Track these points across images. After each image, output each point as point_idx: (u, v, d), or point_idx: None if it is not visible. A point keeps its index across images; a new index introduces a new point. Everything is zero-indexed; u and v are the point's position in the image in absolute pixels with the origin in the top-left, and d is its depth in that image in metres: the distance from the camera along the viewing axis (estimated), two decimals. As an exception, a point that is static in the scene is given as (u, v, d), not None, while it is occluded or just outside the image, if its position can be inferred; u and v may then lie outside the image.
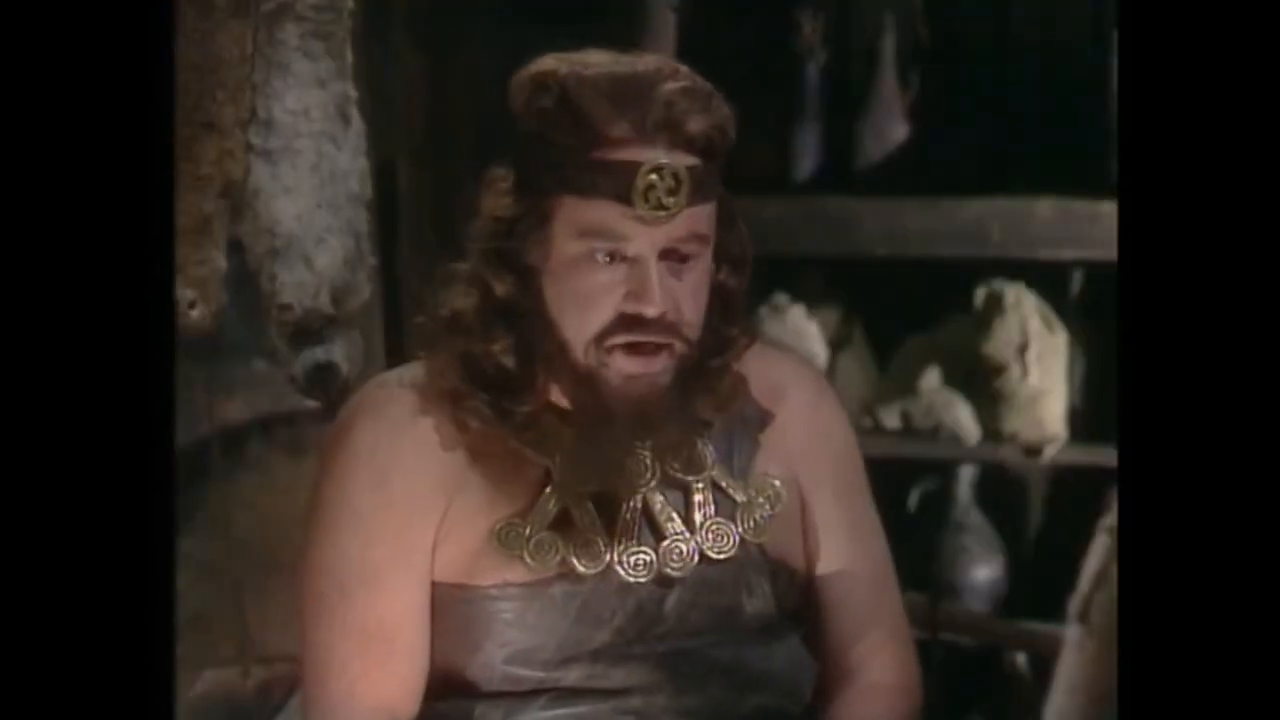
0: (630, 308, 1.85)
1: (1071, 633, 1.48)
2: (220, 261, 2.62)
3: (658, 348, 1.87)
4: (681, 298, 1.87)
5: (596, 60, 1.88)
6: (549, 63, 1.88)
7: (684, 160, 1.85)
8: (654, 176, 1.83)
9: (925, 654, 3.01)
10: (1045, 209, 3.47)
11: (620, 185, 1.83)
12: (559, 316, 1.88)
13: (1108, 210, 3.39)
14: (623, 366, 1.87)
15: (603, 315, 1.86)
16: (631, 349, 1.86)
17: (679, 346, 1.88)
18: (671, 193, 1.84)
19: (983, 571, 3.69)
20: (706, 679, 1.95)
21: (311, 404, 2.74)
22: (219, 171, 2.60)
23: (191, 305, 2.60)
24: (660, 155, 1.84)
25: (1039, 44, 3.67)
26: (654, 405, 1.89)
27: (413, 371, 1.98)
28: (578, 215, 1.85)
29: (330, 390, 2.67)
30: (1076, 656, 1.48)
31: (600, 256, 1.85)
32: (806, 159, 3.69)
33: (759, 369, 2.02)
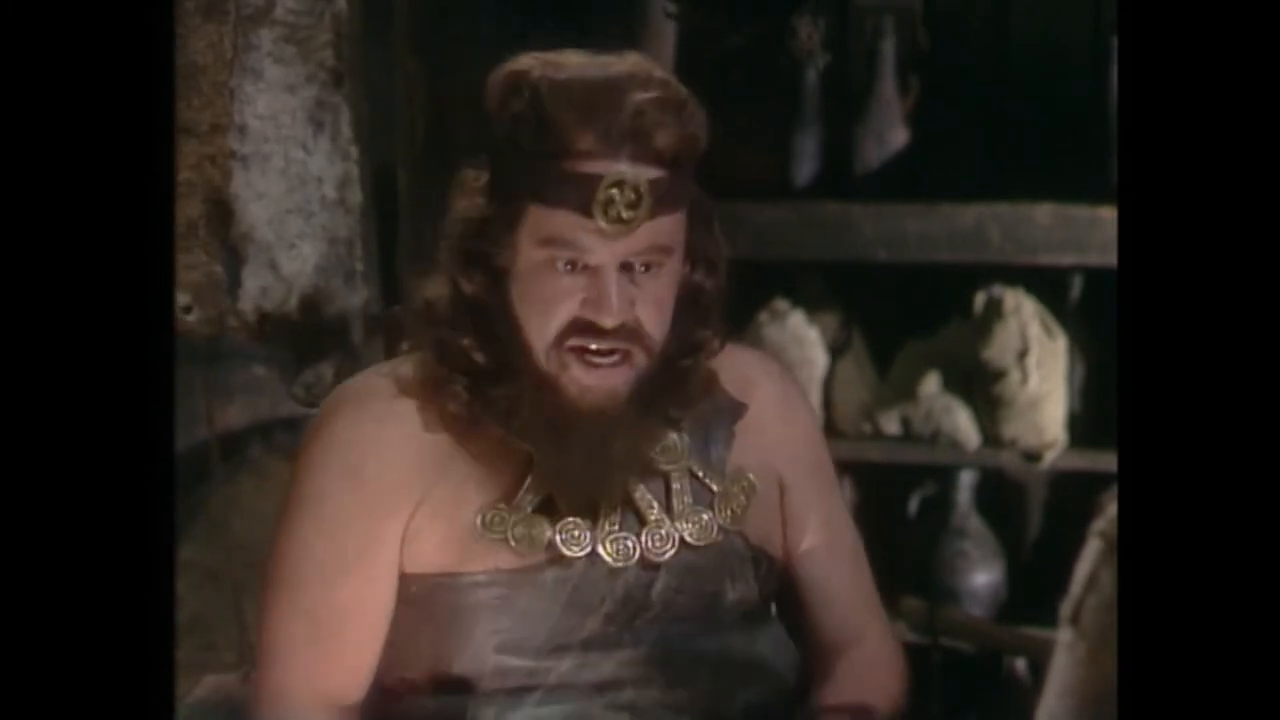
0: (587, 314, 1.87)
1: (1063, 636, 1.48)
2: (214, 266, 2.62)
3: (617, 359, 1.89)
4: (643, 307, 1.89)
5: (572, 62, 1.89)
6: (525, 62, 1.90)
7: (647, 173, 1.86)
8: (614, 190, 1.84)
9: (925, 659, 3.01)
10: (1045, 214, 3.47)
11: (581, 197, 1.84)
12: (523, 318, 1.90)
13: (1107, 215, 3.39)
14: (580, 377, 1.89)
15: (560, 319, 1.88)
16: (588, 359, 1.89)
17: (639, 356, 1.91)
18: (632, 206, 1.85)
19: (982, 577, 3.69)
20: (695, 671, 1.97)
21: (312, 409, 2.74)
22: (200, 177, 2.61)
23: (187, 310, 2.61)
24: (623, 168, 1.84)
25: (1039, 49, 3.67)
26: (614, 413, 1.91)
27: (400, 366, 2.00)
28: (541, 223, 1.87)
29: (316, 395, 2.67)
30: (1068, 659, 1.48)
31: (561, 264, 1.87)
32: (806, 164, 3.69)
33: (727, 363, 2.05)
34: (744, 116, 3.54)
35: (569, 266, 1.87)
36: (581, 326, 1.87)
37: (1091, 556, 1.48)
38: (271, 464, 3.02)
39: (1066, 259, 3.50)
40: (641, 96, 1.85)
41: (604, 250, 1.86)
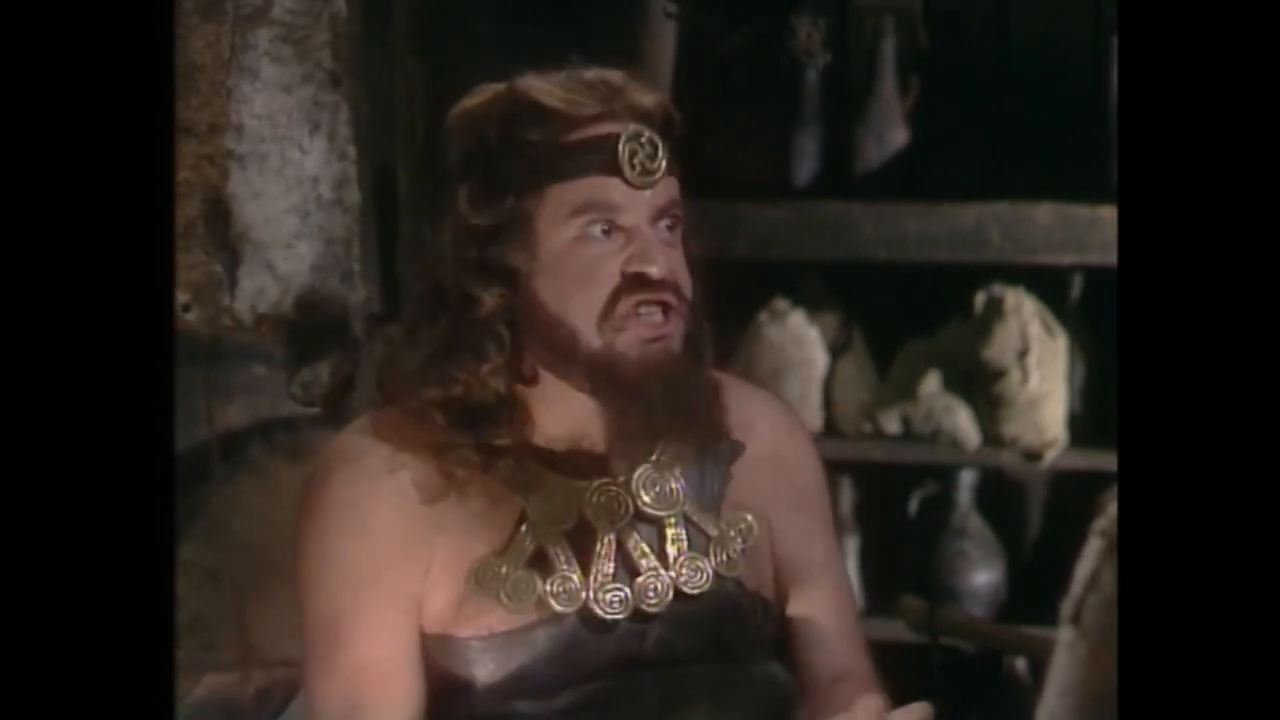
0: (635, 268, 1.90)
1: (1064, 635, 1.48)
2: (213, 265, 2.62)
3: (666, 310, 1.91)
4: (675, 262, 1.93)
5: (535, 78, 1.93)
6: (490, 88, 1.94)
7: (651, 131, 1.92)
8: (634, 143, 1.90)
9: (924, 659, 3.01)
10: (1045, 213, 3.48)
11: (604, 157, 1.89)
12: (562, 306, 1.91)
13: (1108, 215, 3.39)
14: (639, 331, 1.90)
15: (609, 283, 1.90)
16: (642, 315, 1.90)
17: (684, 309, 1.93)
18: (651, 157, 1.90)
19: (983, 576, 3.69)
20: (692, 698, 1.96)
21: (311, 409, 2.74)
22: (198, 176, 2.60)
23: (186, 308, 2.60)
24: (632, 126, 1.90)
25: (1039, 48, 3.67)
26: (670, 375, 1.92)
27: (378, 421, 1.99)
28: (567, 197, 1.90)
29: (316, 397, 2.67)
30: (1069, 659, 1.47)
31: (597, 230, 1.90)
32: (806, 164, 3.69)
33: (727, 399, 2.04)
34: (744, 116, 3.54)
35: (605, 232, 1.90)
36: (631, 282, 1.90)
37: (1093, 555, 1.48)
38: (271, 464, 3.02)
39: (1066, 259, 3.50)
40: (616, 74, 1.93)
41: (636, 208, 1.90)
